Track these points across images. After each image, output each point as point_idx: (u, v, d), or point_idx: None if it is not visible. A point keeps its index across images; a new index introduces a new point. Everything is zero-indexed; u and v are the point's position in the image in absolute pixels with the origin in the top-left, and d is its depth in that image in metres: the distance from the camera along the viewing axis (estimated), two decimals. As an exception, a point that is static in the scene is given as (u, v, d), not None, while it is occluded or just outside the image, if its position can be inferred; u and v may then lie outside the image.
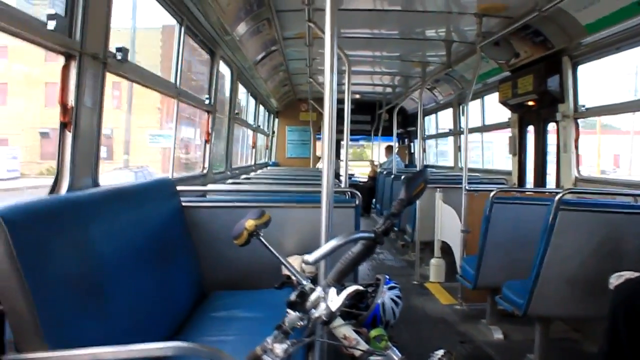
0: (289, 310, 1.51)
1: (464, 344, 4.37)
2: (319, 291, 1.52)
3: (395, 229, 8.26)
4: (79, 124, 2.44)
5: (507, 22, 5.11)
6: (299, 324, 1.50)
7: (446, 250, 5.95)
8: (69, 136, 2.40)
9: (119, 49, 2.83)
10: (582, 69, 5.25)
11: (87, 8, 2.42)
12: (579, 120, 5.34)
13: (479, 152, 8.92)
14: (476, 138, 8.81)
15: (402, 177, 5.54)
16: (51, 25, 2.23)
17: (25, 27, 2.09)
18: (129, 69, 3.05)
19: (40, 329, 1.59)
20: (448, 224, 5.74)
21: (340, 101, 3.03)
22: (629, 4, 3.95)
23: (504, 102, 6.54)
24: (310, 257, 1.50)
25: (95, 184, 2.61)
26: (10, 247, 1.56)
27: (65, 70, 2.39)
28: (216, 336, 2.57)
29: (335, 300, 1.48)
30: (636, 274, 2.83)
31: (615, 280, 2.86)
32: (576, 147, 5.34)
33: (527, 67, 5.82)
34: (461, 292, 5.31)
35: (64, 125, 2.40)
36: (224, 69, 5.96)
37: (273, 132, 12.77)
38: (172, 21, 4.14)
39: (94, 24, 2.49)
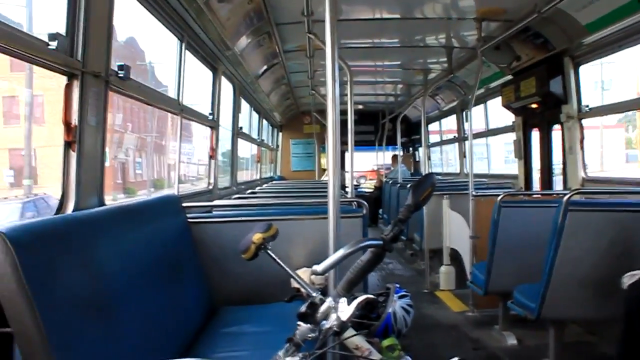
0: (299, 323, 1.49)
1: (477, 350, 4.32)
2: (329, 302, 1.50)
3: (403, 237, 8.21)
4: (84, 143, 2.44)
5: (506, 25, 5.11)
6: (310, 336, 1.48)
7: (455, 257, 5.90)
8: (73, 156, 2.40)
9: (120, 67, 2.84)
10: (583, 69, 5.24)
11: (88, 27, 2.43)
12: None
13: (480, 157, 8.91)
14: (479, 142, 8.78)
15: (408, 185, 5.48)
16: (53, 44, 2.24)
17: (26, 47, 2.10)
18: (131, 87, 3.06)
19: (49, 351, 1.56)
20: (456, 231, 5.70)
21: (343, 112, 3.03)
22: (628, 2, 3.95)
23: (507, 105, 6.53)
24: (320, 267, 1.48)
25: (101, 202, 2.61)
26: (17, 269, 1.54)
27: (68, 89, 2.40)
28: (227, 352, 2.55)
29: (345, 310, 1.45)
30: (649, 273, 2.79)
31: (628, 279, 2.83)
32: (582, 148, 5.31)
33: (528, 70, 5.81)
34: (472, 299, 5.26)
35: (68, 145, 2.40)
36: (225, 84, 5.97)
37: (277, 146, 12.78)
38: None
39: (95, 43, 2.50)
